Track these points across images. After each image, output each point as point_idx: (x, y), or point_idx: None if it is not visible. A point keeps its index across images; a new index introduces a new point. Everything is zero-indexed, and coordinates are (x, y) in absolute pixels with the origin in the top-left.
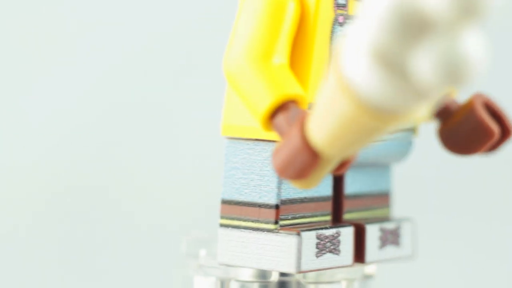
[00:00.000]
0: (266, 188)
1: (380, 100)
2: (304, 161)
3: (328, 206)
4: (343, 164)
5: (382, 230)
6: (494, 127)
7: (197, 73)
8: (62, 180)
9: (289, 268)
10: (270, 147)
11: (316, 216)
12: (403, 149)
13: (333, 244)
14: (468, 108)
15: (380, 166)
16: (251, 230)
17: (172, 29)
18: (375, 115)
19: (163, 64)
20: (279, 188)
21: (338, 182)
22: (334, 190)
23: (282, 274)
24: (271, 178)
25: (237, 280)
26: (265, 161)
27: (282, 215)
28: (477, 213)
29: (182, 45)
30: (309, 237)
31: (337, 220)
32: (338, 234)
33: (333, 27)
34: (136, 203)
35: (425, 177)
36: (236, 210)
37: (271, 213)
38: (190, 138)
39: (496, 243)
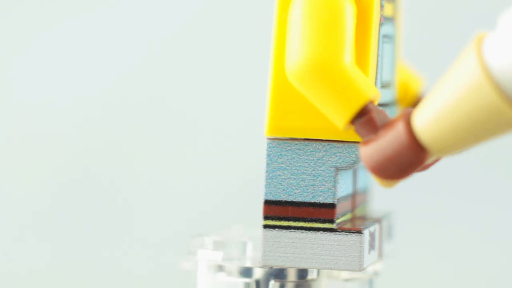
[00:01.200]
0: (322, 188)
1: None
2: (413, 158)
3: (350, 203)
4: (434, 162)
5: (390, 226)
6: None
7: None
8: (69, 175)
9: (352, 266)
10: (324, 147)
11: (346, 213)
12: None
13: (373, 241)
14: None
15: None
16: (303, 230)
17: (196, 25)
18: None
19: (170, 65)
20: (335, 187)
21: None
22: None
23: (301, 276)
24: (327, 178)
25: (276, 280)
26: (318, 160)
27: (337, 214)
28: (469, 210)
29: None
30: (367, 235)
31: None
32: (375, 230)
33: (379, 28)
34: (137, 204)
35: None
36: (284, 211)
37: (328, 212)
38: (192, 139)
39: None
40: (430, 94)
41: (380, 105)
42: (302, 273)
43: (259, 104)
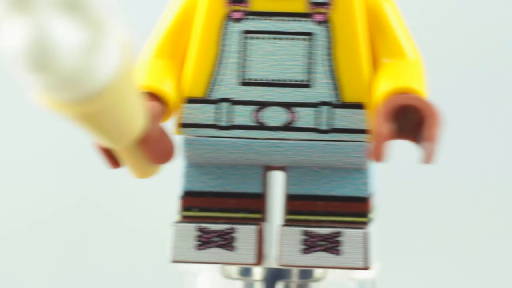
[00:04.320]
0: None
1: None
2: None
3: (257, 204)
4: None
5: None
6: None
7: None
8: (67, 181)
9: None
10: None
11: (237, 212)
12: (350, 151)
13: (224, 240)
14: None
15: (344, 170)
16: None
17: None
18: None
19: None
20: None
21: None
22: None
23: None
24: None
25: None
26: None
27: (186, 206)
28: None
29: None
30: (188, 229)
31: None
32: (233, 230)
33: (226, 23)
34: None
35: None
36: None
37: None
38: None
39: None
40: None
41: (259, 103)
42: (307, 273)
43: None
